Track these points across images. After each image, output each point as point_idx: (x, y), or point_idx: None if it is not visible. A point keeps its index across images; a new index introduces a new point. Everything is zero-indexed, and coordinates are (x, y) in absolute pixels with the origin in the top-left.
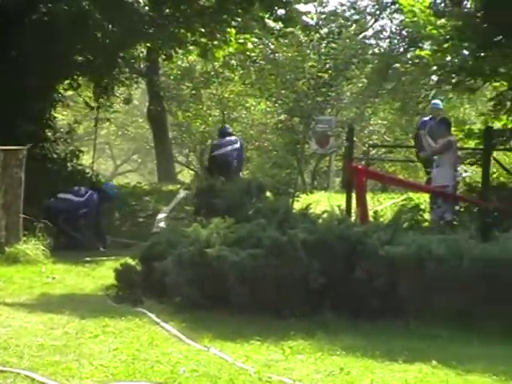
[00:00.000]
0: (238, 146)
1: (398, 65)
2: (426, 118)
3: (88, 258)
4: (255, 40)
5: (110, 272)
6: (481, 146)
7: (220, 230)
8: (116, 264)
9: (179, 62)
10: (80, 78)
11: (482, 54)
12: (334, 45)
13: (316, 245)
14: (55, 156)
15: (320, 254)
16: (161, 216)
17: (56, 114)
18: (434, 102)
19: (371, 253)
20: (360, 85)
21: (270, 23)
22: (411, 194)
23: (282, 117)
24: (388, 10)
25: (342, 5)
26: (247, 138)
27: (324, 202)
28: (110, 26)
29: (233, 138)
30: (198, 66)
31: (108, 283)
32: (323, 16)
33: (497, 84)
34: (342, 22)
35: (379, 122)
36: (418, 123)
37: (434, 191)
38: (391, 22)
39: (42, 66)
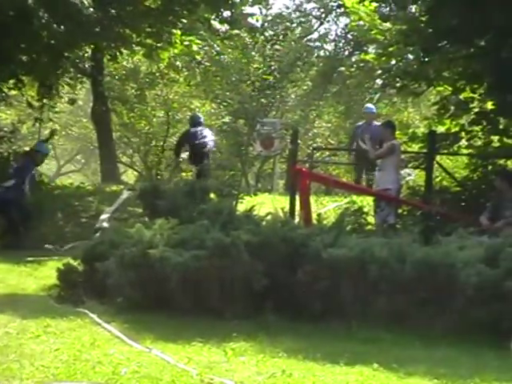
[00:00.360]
0: (212, 136)
1: (342, 68)
2: (360, 123)
3: (30, 258)
4: (200, 42)
5: (52, 272)
6: (424, 150)
7: (163, 231)
8: (58, 264)
9: (124, 63)
10: (24, 77)
11: (427, 59)
12: (278, 47)
13: (259, 247)
14: None
15: (263, 255)
16: (104, 216)
17: None
18: (366, 106)
19: (314, 255)
20: (305, 87)
21: (216, 25)
22: (354, 197)
23: (227, 119)
24: (333, 14)
25: (287, 7)
26: None
27: (268, 204)
28: (55, 25)
29: (205, 127)
30: (143, 66)
31: (50, 283)
32: (268, 18)
33: (441, 88)
34: (288, 24)
35: (323, 124)
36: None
37: (377, 194)
38: (337, 25)
39: None
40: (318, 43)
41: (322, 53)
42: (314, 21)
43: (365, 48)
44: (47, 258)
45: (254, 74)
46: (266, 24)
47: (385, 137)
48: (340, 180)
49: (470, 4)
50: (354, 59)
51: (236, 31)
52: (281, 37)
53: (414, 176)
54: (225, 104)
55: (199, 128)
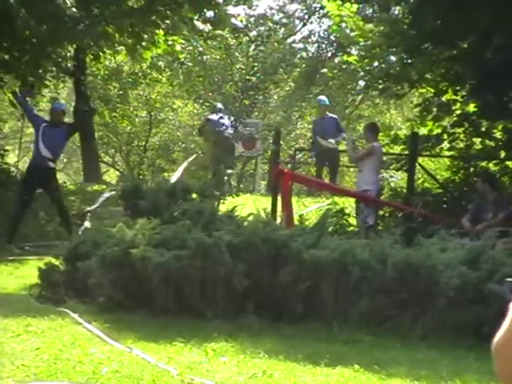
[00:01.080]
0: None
1: (325, 70)
2: (316, 118)
3: (11, 257)
4: (183, 42)
5: (33, 271)
6: (406, 152)
7: (145, 230)
8: (40, 263)
9: (107, 63)
10: (6, 76)
11: (409, 61)
12: (262, 48)
13: (241, 247)
14: None
15: (245, 256)
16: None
17: None
18: (319, 98)
19: (296, 256)
20: (287, 89)
21: (199, 25)
22: (336, 199)
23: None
24: (316, 15)
25: (271, 8)
26: (174, 139)
27: (250, 205)
28: (37, 24)
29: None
30: (126, 66)
31: (31, 282)
32: (252, 19)
33: (423, 90)
34: (271, 25)
35: (306, 126)
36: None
37: (358, 195)
38: (320, 26)
39: None
40: (300, 45)
41: (304, 54)
42: (297, 22)
43: (348, 50)
44: (29, 257)
45: (237, 75)
46: (249, 25)
47: (367, 139)
48: (322, 181)
49: (453, 6)
50: (336, 61)
51: (219, 31)
52: (264, 38)
53: (398, 178)
54: (207, 104)
55: (223, 118)
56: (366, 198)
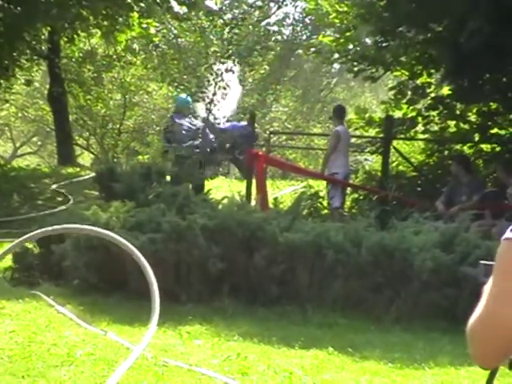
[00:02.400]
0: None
1: (300, 51)
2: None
3: None
4: (158, 25)
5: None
6: (381, 135)
7: (120, 213)
8: None
9: (81, 45)
10: None
11: (384, 44)
12: (237, 31)
13: (215, 230)
14: None
15: (219, 239)
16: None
17: None
18: (180, 97)
19: (270, 239)
20: (262, 72)
21: (174, 8)
22: (311, 182)
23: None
24: None
25: None
26: (149, 122)
27: (224, 188)
28: (11, 6)
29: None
30: (100, 49)
31: (5, 266)
32: (227, 2)
33: (398, 73)
34: (246, 8)
35: (281, 109)
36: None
37: (328, 179)
38: (294, 8)
39: None
40: (275, 27)
41: (279, 37)
42: (271, 4)
43: (323, 32)
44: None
45: (212, 58)
46: (224, 7)
47: (333, 122)
48: (295, 164)
49: None
50: (312, 41)
51: (193, 13)
52: (239, 21)
53: (372, 161)
54: (182, 87)
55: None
56: (335, 181)
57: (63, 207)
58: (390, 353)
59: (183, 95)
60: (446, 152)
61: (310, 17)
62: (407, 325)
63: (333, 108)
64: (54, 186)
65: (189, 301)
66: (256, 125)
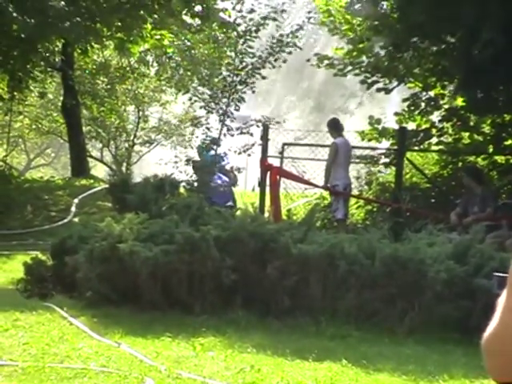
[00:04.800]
0: None
1: (314, 62)
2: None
3: None
4: (172, 36)
5: (21, 266)
6: (395, 147)
7: (133, 225)
8: (27, 258)
9: (95, 57)
10: None
11: (398, 55)
12: (251, 43)
13: (229, 242)
14: None
15: (233, 251)
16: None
17: None
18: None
19: (283, 251)
20: (276, 83)
21: (187, 19)
22: (325, 194)
23: (198, 113)
24: (305, 9)
25: (259, 3)
26: (163, 133)
27: (238, 200)
28: (25, 19)
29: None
30: (114, 61)
31: (19, 277)
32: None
33: (411, 85)
34: (260, 20)
35: (295, 120)
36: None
37: (337, 191)
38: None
39: None
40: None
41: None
42: (285, 16)
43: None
44: (16, 251)
45: (225, 70)
46: (238, 19)
47: (331, 135)
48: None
49: (440, 1)
50: (325, 54)
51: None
52: (253, 32)
53: (386, 173)
54: (196, 99)
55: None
56: (339, 193)
57: (65, 220)
58: (403, 365)
59: (210, 153)
60: (460, 164)
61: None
62: (421, 337)
63: (327, 122)
64: (76, 201)
65: (202, 312)
66: (269, 136)
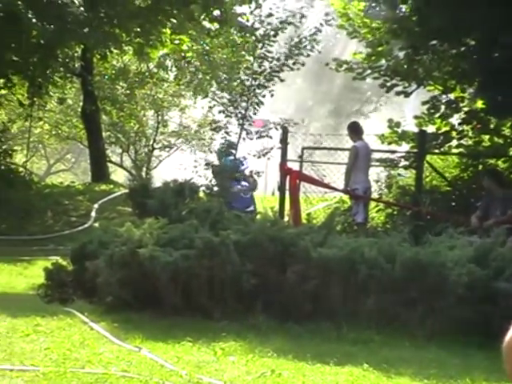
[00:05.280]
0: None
1: (333, 66)
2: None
3: (20, 257)
4: (190, 40)
5: (41, 271)
6: (415, 150)
7: (153, 230)
8: (48, 263)
9: (114, 62)
10: (14, 76)
11: (417, 58)
12: (269, 47)
13: (249, 246)
14: None
15: (252, 255)
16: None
17: None
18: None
19: (303, 255)
20: (295, 86)
21: (206, 24)
22: (344, 197)
23: (217, 117)
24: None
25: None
26: (182, 137)
27: (258, 204)
28: (44, 25)
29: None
30: (133, 66)
31: (39, 282)
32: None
33: (431, 88)
34: (278, 24)
35: (314, 124)
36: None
37: (356, 195)
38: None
39: None
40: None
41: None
42: (303, 20)
43: (354, 48)
44: (36, 256)
45: (243, 74)
46: (256, 23)
47: (351, 139)
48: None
49: (459, 3)
50: (344, 58)
51: (225, 30)
52: (271, 37)
53: (406, 176)
54: (215, 103)
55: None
56: (360, 197)
57: (86, 225)
58: (425, 369)
59: (230, 157)
60: (481, 166)
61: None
62: (442, 341)
63: (347, 126)
64: (96, 206)
65: (222, 317)
66: (288, 140)
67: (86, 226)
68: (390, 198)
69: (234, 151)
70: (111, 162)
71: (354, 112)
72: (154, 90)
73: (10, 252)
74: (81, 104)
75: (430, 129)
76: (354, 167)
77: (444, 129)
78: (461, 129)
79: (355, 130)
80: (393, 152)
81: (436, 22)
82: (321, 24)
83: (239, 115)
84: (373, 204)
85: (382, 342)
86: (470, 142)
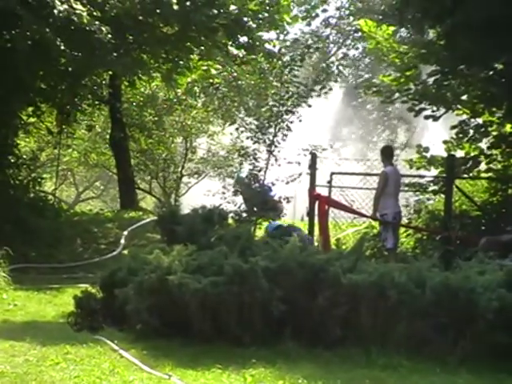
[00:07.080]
0: None
1: (361, 91)
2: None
3: (49, 285)
4: (218, 67)
5: (71, 299)
6: (444, 174)
7: (182, 257)
8: (77, 291)
9: (142, 89)
10: (43, 104)
11: (445, 83)
12: (296, 72)
13: (278, 272)
14: (17, 182)
15: (282, 281)
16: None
17: (18, 141)
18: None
19: (333, 280)
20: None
21: (233, 50)
22: (374, 223)
23: (245, 143)
24: (351, 38)
25: (303, 33)
26: (210, 164)
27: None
28: (72, 53)
29: None
30: (161, 92)
31: (69, 310)
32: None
33: (459, 112)
34: (305, 50)
35: (343, 149)
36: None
37: (387, 222)
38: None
39: (5, 92)
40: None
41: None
42: (331, 45)
43: (383, 72)
44: (66, 285)
45: (271, 100)
46: (283, 49)
47: (383, 163)
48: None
49: (486, 28)
50: (373, 81)
51: (253, 56)
52: (298, 62)
53: (434, 200)
54: (243, 129)
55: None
56: (388, 223)
57: (115, 252)
58: None
59: (244, 172)
60: (510, 190)
61: (369, 56)
62: (473, 366)
63: (381, 149)
64: (125, 233)
65: (252, 344)
66: (317, 166)
67: (115, 253)
68: (420, 223)
69: (260, 178)
70: (140, 188)
71: (385, 137)
72: (182, 116)
73: (39, 280)
74: (109, 131)
75: (459, 153)
76: (383, 192)
77: (473, 153)
78: (489, 153)
79: (388, 155)
80: (421, 177)
81: (463, 46)
82: (347, 49)
83: (267, 141)
84: (402, 229)
85: (411, 367)
86: (499, 166)
